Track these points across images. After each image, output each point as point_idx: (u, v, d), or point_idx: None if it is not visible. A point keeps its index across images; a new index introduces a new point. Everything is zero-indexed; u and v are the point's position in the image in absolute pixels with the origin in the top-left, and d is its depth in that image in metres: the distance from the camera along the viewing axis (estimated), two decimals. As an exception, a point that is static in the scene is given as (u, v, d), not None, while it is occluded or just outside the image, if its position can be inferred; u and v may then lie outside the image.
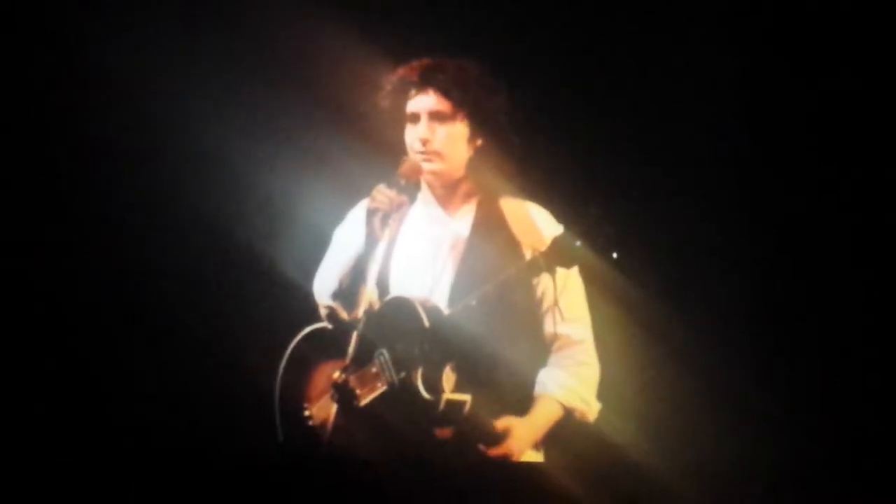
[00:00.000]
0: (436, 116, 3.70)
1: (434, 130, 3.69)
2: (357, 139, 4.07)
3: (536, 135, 3.85)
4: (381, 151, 3.80)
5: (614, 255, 3.44)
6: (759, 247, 4.44)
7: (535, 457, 3.71)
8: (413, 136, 3.71)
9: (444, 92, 3.68)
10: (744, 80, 4.45)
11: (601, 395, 3.73)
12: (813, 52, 4.39)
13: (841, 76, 4.36)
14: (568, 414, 3.69)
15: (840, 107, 4.36)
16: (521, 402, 3.66)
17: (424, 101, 3.70)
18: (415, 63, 3.75)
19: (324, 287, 3.81)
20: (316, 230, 4.04)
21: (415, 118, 3.72)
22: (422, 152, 3.69)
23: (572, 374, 3.70)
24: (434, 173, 3.73)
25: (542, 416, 3.68)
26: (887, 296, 4.37)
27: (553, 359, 3.71)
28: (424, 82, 3.69)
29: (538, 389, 3.69)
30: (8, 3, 4.69)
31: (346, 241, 3.82)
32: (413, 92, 3.71)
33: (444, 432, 3.57)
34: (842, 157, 4.39)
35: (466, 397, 3.56)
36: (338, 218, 3.90)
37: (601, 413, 3.74)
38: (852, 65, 4.36)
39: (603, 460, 4.07)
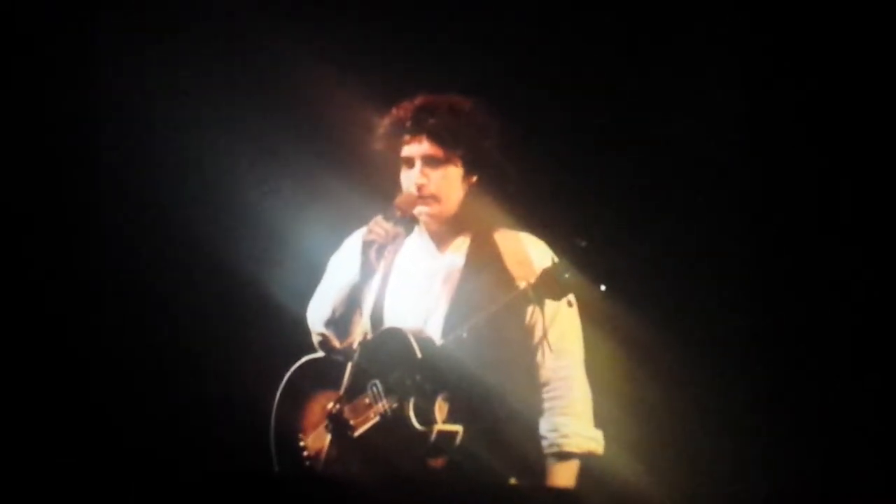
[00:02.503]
0: (429, 161, 3.71)
1: (428, 175, 3.71)
2: (354, 168, 4.10)
3: (529, 166, 3.86)
4: (378, 182, 3.84)
5: (602, 288, 3.46)
6: (754, 274, 4.45)
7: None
8: (408, 179, 3.73)
9: (437, 137, 3.69)
10: (745, 110, 4.46)
11: (597, 424, 3.74)
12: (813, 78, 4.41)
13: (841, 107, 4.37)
14: (580, 458, 3.69)
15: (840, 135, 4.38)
16: (514, 434, 3.67)
17: (418, 148, 3.71)
18: (407, 104, 3.75)
19: (317, 314, 3.85)
20: (312, 258, 4.06)
21: (409, 162, 3.74)
22: (418, 196, 3.71)
23: (569, 414, 3.68)
24: (430, 215, 3.75)
25: (564, 475, 3.67)
26: (884, 314, 4.37)
27: (546, 396, 3.70)
28: (417, 128, 3.71)
29: (546, 446, 3.68)
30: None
31: (340, 270, 3.85)
32: (406, 137, 3.72)
33: (436, 462, 3.60)
34: (839, 181, 4.40)
35: (458, 428, 3.60)
36: (333, 246, 3.92)
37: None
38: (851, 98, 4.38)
39: (598, 486, 4.07)
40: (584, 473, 3.72)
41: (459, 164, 3.73)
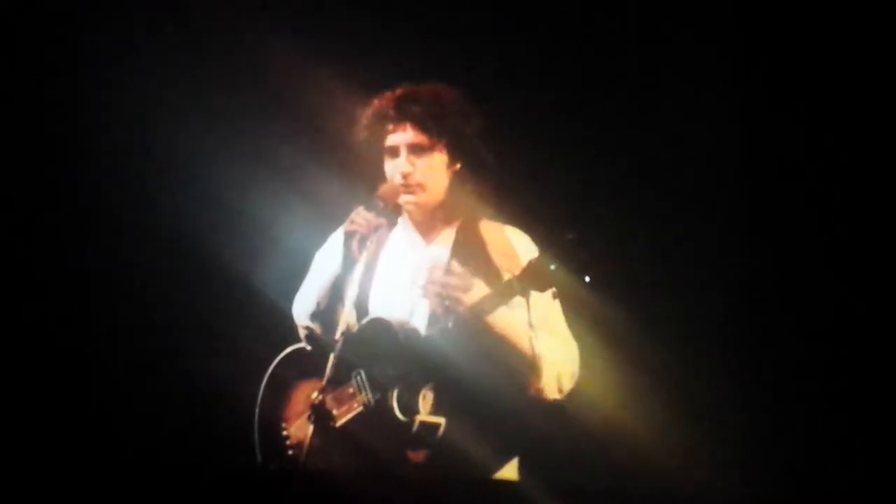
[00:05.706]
0: (415, 149, 3.71)
1: (414, 163, 3.71)
2: (339, 163, 4.10)
3: (514, 156, 3.86)
4: (363, 175, 3.83)
5: (587, 279, 3.46)
6: (741, 269, 4.45)
7: (510, 474, 3.71)
8: (394, 169, 3.73)
9: (422, 125, 3.69)
10: (737, 101, 4.47)
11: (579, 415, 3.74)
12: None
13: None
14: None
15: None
16: (497, 426, 3.64)
17: (402, 136, 3.72)
18: (389, 94, 3.76)
19: (302, 308, 3.86)
20: (297, 253, 4.06)
21: (394, 151, 3.74)
22: (404, 185, 3.71)
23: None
24: (416, 204, 3.75)
25: None
26: (872, 314, 4.37)
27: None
28: (401, 116, 3.71)
29: None
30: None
31: (325, 263, 3.85)
32: (390, 126, 3.73)
33: (417, 454, 3.59)
34: (834, 177, 4.40)
35: (441, 420, 3.58)
36: (319, 241, 3.93)
37: (578, 430, 3.74)
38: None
39: (579, 479, 4.07)
40: (562, 462, 3.72)
41: (444, 151, 3.73)
